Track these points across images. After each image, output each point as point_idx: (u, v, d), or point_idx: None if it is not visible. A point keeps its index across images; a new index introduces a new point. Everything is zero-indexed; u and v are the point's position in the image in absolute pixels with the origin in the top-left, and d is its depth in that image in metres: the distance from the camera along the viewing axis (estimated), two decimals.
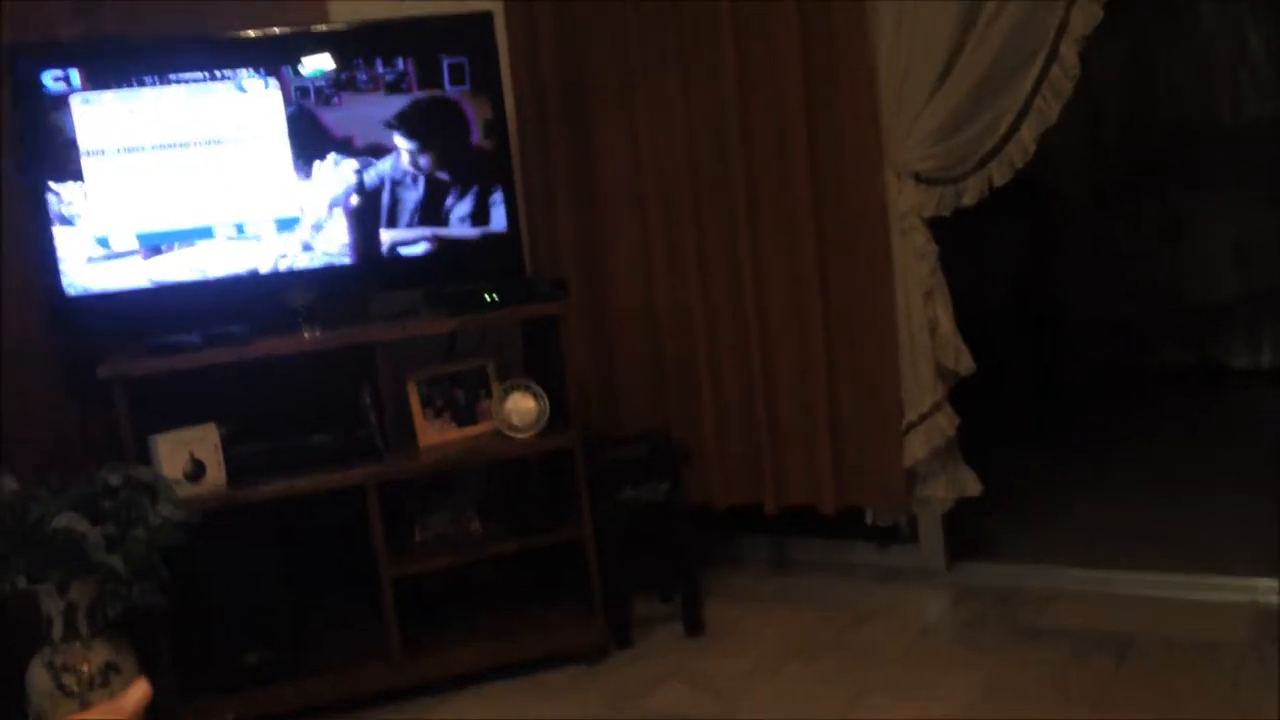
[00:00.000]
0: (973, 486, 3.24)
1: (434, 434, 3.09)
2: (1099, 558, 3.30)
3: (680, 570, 3.22)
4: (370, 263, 3.11)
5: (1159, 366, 5.18)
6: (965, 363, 3.14)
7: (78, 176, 2.84)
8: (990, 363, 3.24)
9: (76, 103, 2.84)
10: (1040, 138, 3.00)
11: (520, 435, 3.06)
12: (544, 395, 3.08)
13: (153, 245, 2.92)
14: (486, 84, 3.17)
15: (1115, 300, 5.24)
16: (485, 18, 3.18)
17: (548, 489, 3.28)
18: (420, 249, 3.14)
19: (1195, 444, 4.32)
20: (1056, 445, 4.43)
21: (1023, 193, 3.74)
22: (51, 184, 2.83)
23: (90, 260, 2.87)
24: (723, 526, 3.55)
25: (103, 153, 2.87)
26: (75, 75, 2.85)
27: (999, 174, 3.05)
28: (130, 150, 2.89)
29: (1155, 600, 3.04)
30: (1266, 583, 2.98)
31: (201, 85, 2.95)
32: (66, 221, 2.84)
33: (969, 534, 3.43)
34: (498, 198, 3.19)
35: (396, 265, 3.14)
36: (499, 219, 3.19)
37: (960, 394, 3.20)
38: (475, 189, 3.18)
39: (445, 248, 3.17)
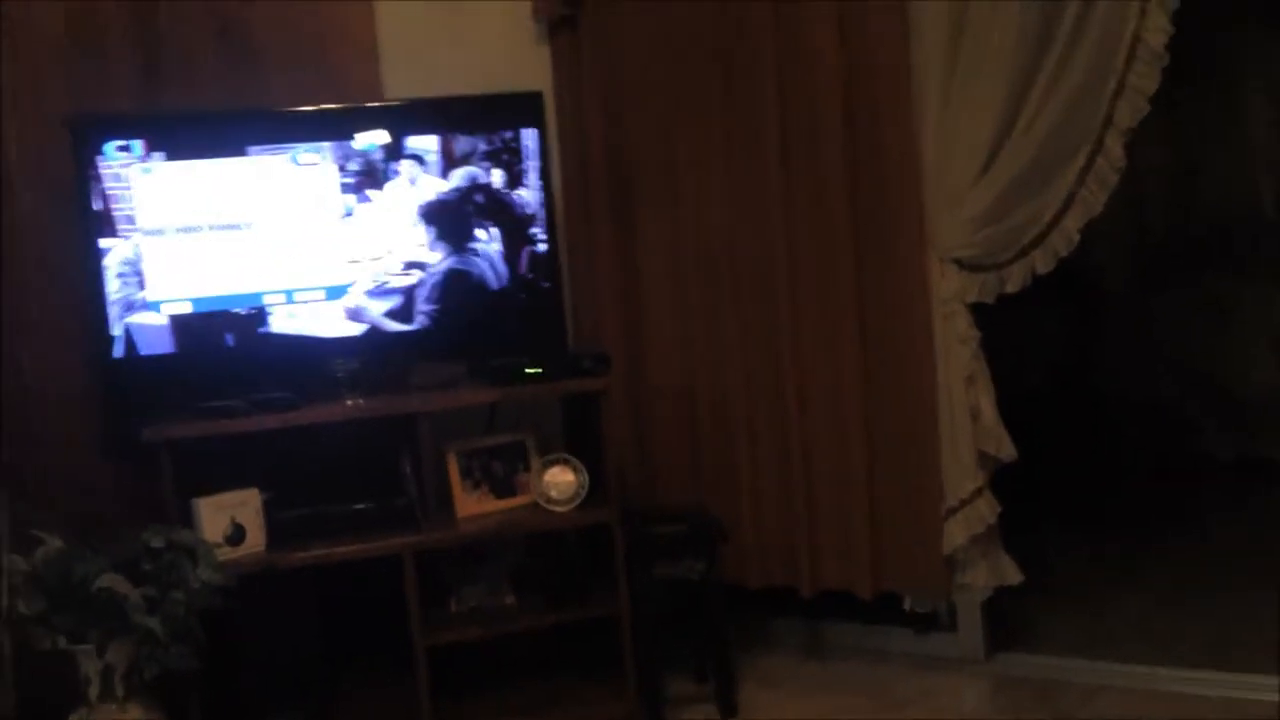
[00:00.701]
0: (1013, 575, 3.20)
1: (472, 505, 3.10)
2: (1142, 651, 3.24)
3: (715, 650, 3.18)
4: (415, 333, 3.14)
5: (1201, 455, 5.11)
6: (1007, 449, 3.12)
7: (131, 241, 2.91)
8: (1032, 448, 3.22)
9: (135, 171, 2.91)
10: (1084, 225, 3.00)
11: (559, 509, 3.06)
12: (583, 469, 3.08)
13: (204, 310, 2.97)
14: (534, 161, 3.22)
15: (1157, 387, 5.19)
16: (535, 97, 3.25)
17: (584, 563, 3.27)
18: (464, 321, 3.17)
19: (1239, 537, 4.24)
20: (1099, 534, 4.37)
21: (1065, 278, 3.74)
22: (107, 248, 2.90)
23: (141, 323, 2.92)
24: (756, 607, 3.52)
25: (158, 220, 2.93)
26: (136, 145, 2.93)
27: (1042, 262, 3.06)
28: (185, 218, 2.96)
29: (1199, 698, 2.97)
30: None
31: (258, 157, 3.01)
32: (119, 285, 2.90)
33: (1009, 623, 3.38)
34: (542, 273, 3.22)
35: (440, 337, 3.17)
36: (543, 294, 3.22)
37: (1001, 480, 3.18)
38: (520, 264, 3.22)
39: (489, 321, 3.20)
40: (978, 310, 3.14)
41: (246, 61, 3.30)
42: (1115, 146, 2.94)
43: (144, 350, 2.94)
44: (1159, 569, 3.98)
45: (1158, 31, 2.85)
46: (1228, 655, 3.14)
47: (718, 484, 3.48)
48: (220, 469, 2.88)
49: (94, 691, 2.41)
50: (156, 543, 2.42)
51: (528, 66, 3.61)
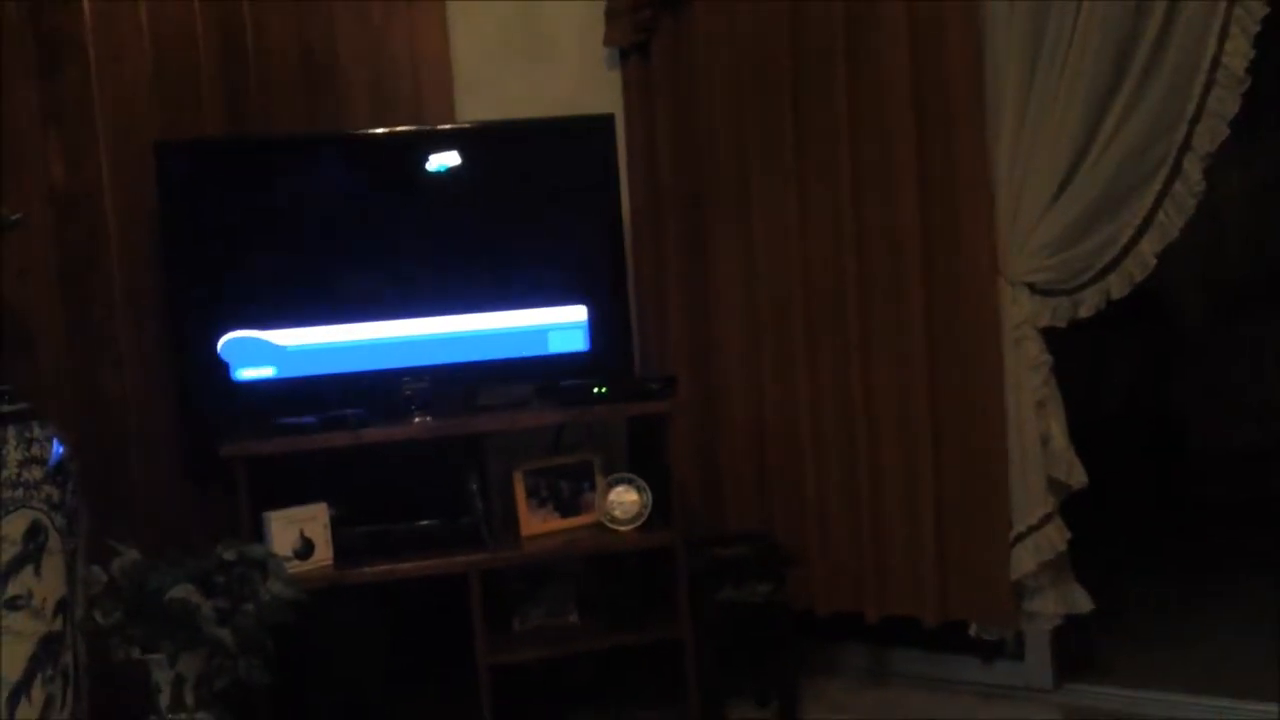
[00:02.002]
0: (1083, 603, 3.14)
1: (537, 524, 3.12)
2: (1215, 686, 3.16)
3: (778, 675, 3.17)
4: (484, 352, 3.18)
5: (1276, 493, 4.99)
6: (1078, 476, 3.07)
7: (215, 262, 2.98)
8: (1106, 477, 3.16)
9: (214, 193, 2.98)
10: (1162, 253, 2.96)
11: (622, 529, 3.07)
12: (648, 490, 3.09)
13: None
14: (605, 184, 3.25)
15: (1234, 422, 5.08)
16: (606, 120, 3.28)
17: (648, 585, 3.27)
18: (535, 342, 3.21)
19: None
20: (1171, 566, 4.27)
21: (1144, 307, 3.68)
22: (190, 269, 2.97)
23: (220, 343, 2.99)
24: (822, 633, 3.49)
25: (239, 241, 3.00)
26: (217, 169, 3.00)
27: (1117, 287, 3.01)
28: (264, 242, 3.02)
29: None
30: None
31: (332, 179, 3.08)
32: (198, 305, 2.98)
33: (1078, 653, 3.32)
34: (612, 295, 3.25)
35: (510, 357, 3.20)
36: (611, 316, 3.25)
37: (1074, 509, 3.12)
38: (590, 286, 3.24)
39: (558, 342, 3.23)
40: (1054, 336, 3.10)
41: (325, 87, 3.37)
42: (1194, 171, 2.89)
43: (224, 371, 3.01)
44: (1231, 605, 3.88)
45: (1238, 55, 2.80)
46: None
47: (785, 509, 3.46)
48: (292, 486, 2.93)
49: (164, 701, 2.46)
50: (229, 556, 2.47)
51: (600, 92, 3.64)
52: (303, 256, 3.09)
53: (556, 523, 3.14)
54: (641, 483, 3.10)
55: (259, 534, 2.80)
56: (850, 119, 3.28)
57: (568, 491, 3.19)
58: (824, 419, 3.39)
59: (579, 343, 3.23)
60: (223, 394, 3.01)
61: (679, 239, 3.61)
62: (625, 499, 3.09)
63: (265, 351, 3.02)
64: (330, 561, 2.88)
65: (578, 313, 3.23)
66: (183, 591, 2.29)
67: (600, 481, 3.16)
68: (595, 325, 3.24)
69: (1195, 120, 2.86)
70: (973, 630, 3.31)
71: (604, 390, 3.12)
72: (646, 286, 3.66)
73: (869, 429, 3.31)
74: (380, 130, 3.22)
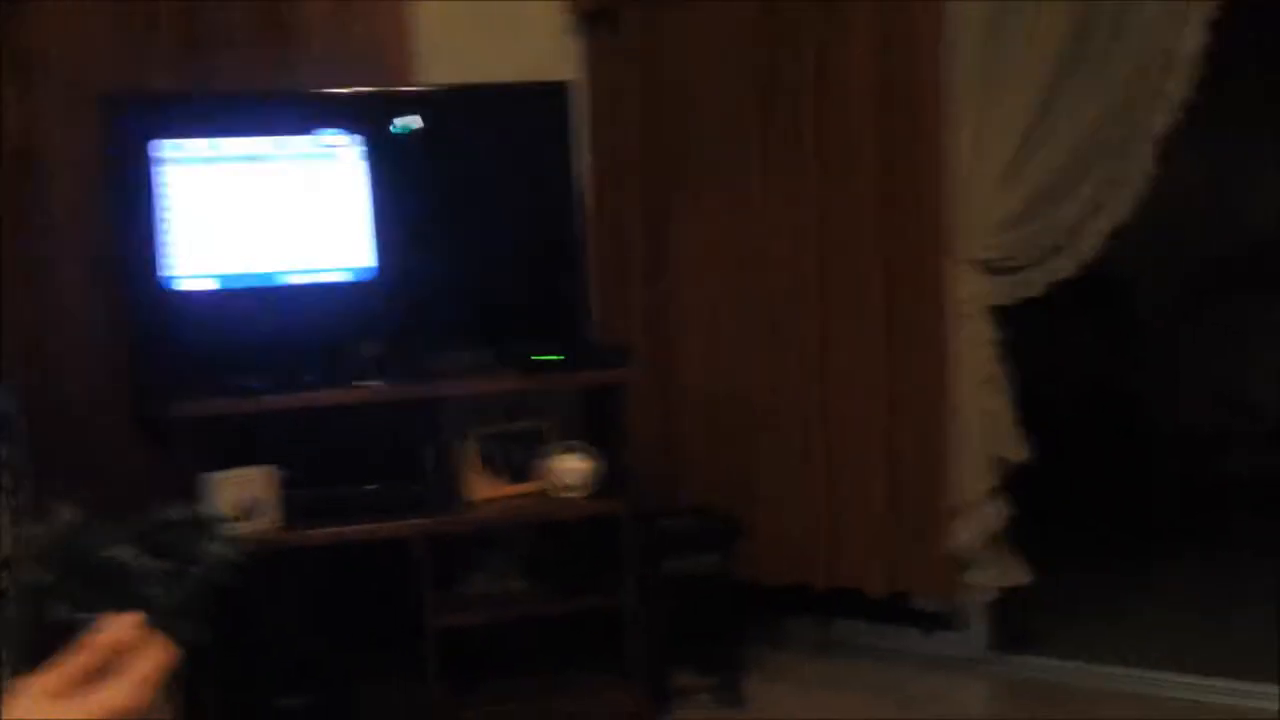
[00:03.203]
0: (1021, 576, 3.19)
1: (486, 489, 3.14)
2: (1152, 659, 3.22)
3: (723, 645, 3.20)
4: (439, 318, 3.18)
5: (1229, 474, 5.05)
6: (1019, 452, 3.10)
7: (161, 220, 2.96)
8: (1056, 455, 3.20)
9: (166, 149, 2.96)
10: (1118, 237, 2.98)
11: (570, 496, 3.09)
12: (597, 458, 3.11)
13: (229, 289, 3.02)
14: (563, 150, 3.24)
15: (1187, 403, 5.13)
16: (562, 87, 3.27)
17: (596, 553, 3.29)
18: (489, 309, 3.21)
19: (1263, 556, 4.19)
20: (1115, 543, 4.33)
21: (1099, 292, 3.70)
22: (135, 226, 2.95)
23: (167, 301, 2.97)
24: (769, 604, 3.53)
25: (185, 198, 2.98)
26: (165, 123, 2.97)
27: (1065, 267, 3.04)
28: (212, 196, 3.00)
29: (1206, 705, 2.96)
30: None
31: (287, 138, 3.05)
32: (146, 263, 2.95)
33: (1018, 626, 3.37)
34: (567, 263, 3.25)
35: (466, 323, 3.21)
36: (568, 283, 3.25)
37: (1020, 484, 3.16)
38: (547, 254, 3.25)
39: (515, 309, 3.23)
40: (1010, 318, 3.13)
41: (286, 46, 3.34)
42: (1145, 154, 2.92)
43: (171, 330, 3.00)
44: (1173, 579, 3.95)
45: (1193, 40, 2.83)
46: (1237, 665, 3.11)
47: (738, 481, 3.49)
48: (244, 448, 2.93)
49: None
50: (170, 516, 2.47)
51: (561, 58, 3.62)
52: (258, 217, 3.06)
53: (506, 489, 3.16)
54: (591, 451, 3.11)
55: (206, 494, 2.80)
56: (815, 97, 3.29)
57: (519, 458, 3.20)
58: (779, 394, 3.42)
59: (536, 311, 3.23)
60: (167, 352, 2.99)
61: (640, 210, 3.61)
62: (574, 466, 3.10)
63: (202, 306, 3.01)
64: (277, 524, 2.89)
65: (536, 281, 3.23)
66: (118, 551, 2.30)
67: (551, 449, 3.17)
68: (553, 293, 3.24)
69: (1149, 104, 2.88)
70: (915, 602, 3.36)
71: (558, 357, 3.12)
72: (606, 255, 3.66)
73: (821, 404, 3.34)
74: (339, 90, 3.19)
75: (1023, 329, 3.17)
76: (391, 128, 3.12)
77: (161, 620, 2.10)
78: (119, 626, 0.69)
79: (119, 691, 0.67)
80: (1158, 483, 4.93)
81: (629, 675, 3.09)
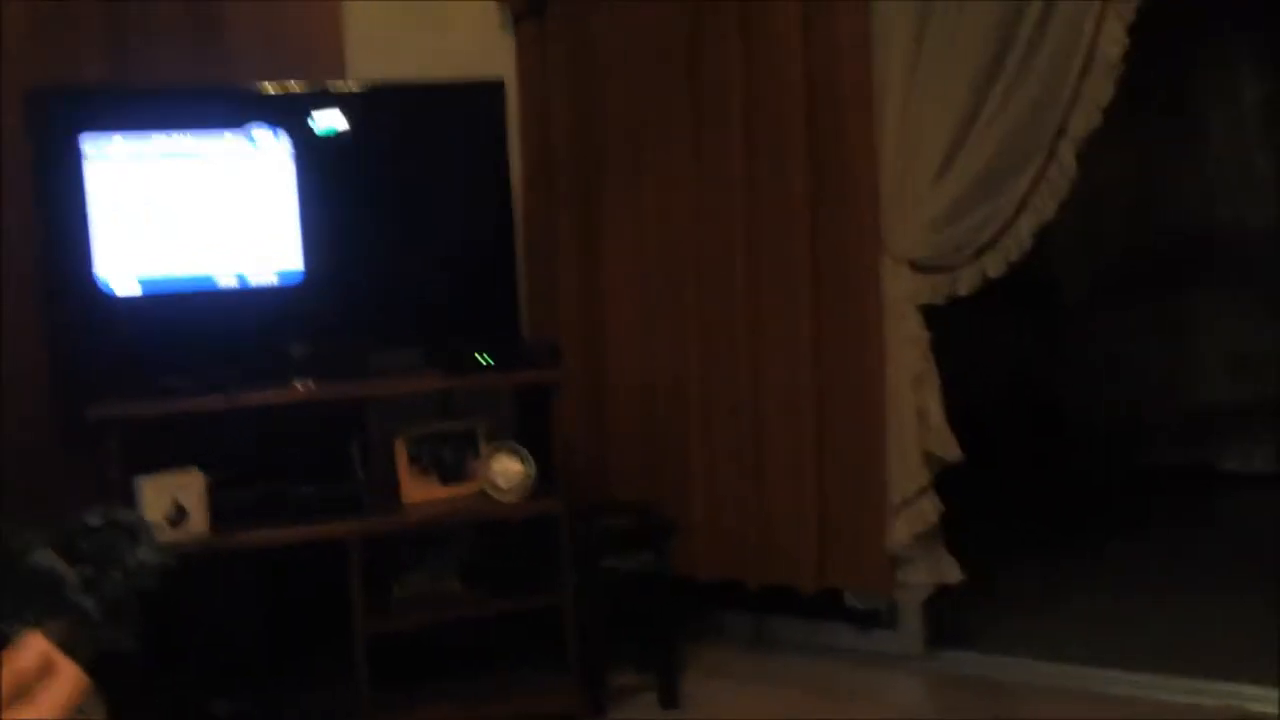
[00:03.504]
0: (954, 573, 3.23)
1: (419, 491, 3.11)
2: (1083, 654, 3.27)
3: (660, 642, 3.21)
4: (368, 319, 3.15)
5: (1152, 465, 5.17)
6: (952, 451, 3.14)
7: (85, 220, 2.89)
8: (984, 452, 3.24)
9: (88, 145, 2.89)
10: (1043, 234, 3.03)
11: (505, 497, 3.07)
12: (531, 459, 3.09)
13: (154, 290, 2.96)
14: (494, 150, 3.22)
15: (1111, 397, 5.25)
16: (497, 86, 3.25)
17: (531, 554, 3.28)
18: (419, 309, 3.18)
19: (1186, 545, 4.30)
20: (1047, 540, 4.40)
21: (1024, 289, 3.76)
22: (59, 226, 2.88)
23: (90, 301, 2.90)
24: (704, 600, 3.54)
25: (110, 198, 2.91)
26: (89, 118, 2.90)
27: (994, 265, 3.09)
28: (138, 196, 2.94)
29: (1138, 700, 3.01)
30: (1256, 690, 2.94)
31: (213, 135, 3.00)
32: (71, 263, 2.88)
33: (951, 623, 3.41)
34: (497, 262, 3.23)
35: (394, 323, 3.17)
36: (499, 283, 3.23)
37: (950, 482, 3.20)
38: (477, 253, 3.22)
39: (444, 309, 3.21)
40: (936, 316, 3.17)
41: (213, 40, 3.28)
42: (1068, 155, 2.97)
43: (96, 331, 2.93)
44: (1104, 573, 4.02)
45: (1114, 43, 2.89)
46: (1169, 659, 3.17)
47: (671, 479, 3.49)
48: (169, 451, 2.87)
49: None
50: (95, 521, 2.40)
51: (493, 54, 3.61)
52: (183, 216, 3.00)
53: (439, 490, 3.13)
54: (525, 452, 3.10)
55: (131, 498, 2.74)
56: (743, 95, 3.31)
57: (451, 459, 3.17)
58: (711, 392, 3.43)
59: (466, 311, 3.20)
60: (90, 353, 2.92)
61: (570, 207, 3.60)
62: (509, 468, 3.09)
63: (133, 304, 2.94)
64: (206, 529, 2.83)
65: (466, 280, 3.20)
66: (44, 558, 2.23)
67: (484, 449, 3.15)
68: (483, 293, 3.22)
69: (1071, 106, 2.94)
70: (848, 599, 3.39)
71: (489, 358, 3.10)
72: (537, 254, 3.64)
73: (754, 401, 3.36)
74: (267, 87, 3.14)
75: (947, 326, 3.21)
76: (319, 127, 3.07)
77: (89, 627, 2.05)
78: (27, 651, 0.67)
79: (26, 718, 0.65)
80: (1083, 476, 5.04)
81: (567, 675, 3.08)
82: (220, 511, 2.86)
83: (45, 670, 0.67)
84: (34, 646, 0.67)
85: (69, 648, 2.08)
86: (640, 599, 3.21)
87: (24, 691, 0.66)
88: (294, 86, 3.13)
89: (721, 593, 3.49)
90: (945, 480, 3.20)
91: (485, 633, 3.23)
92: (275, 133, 3.04)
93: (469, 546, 3.27)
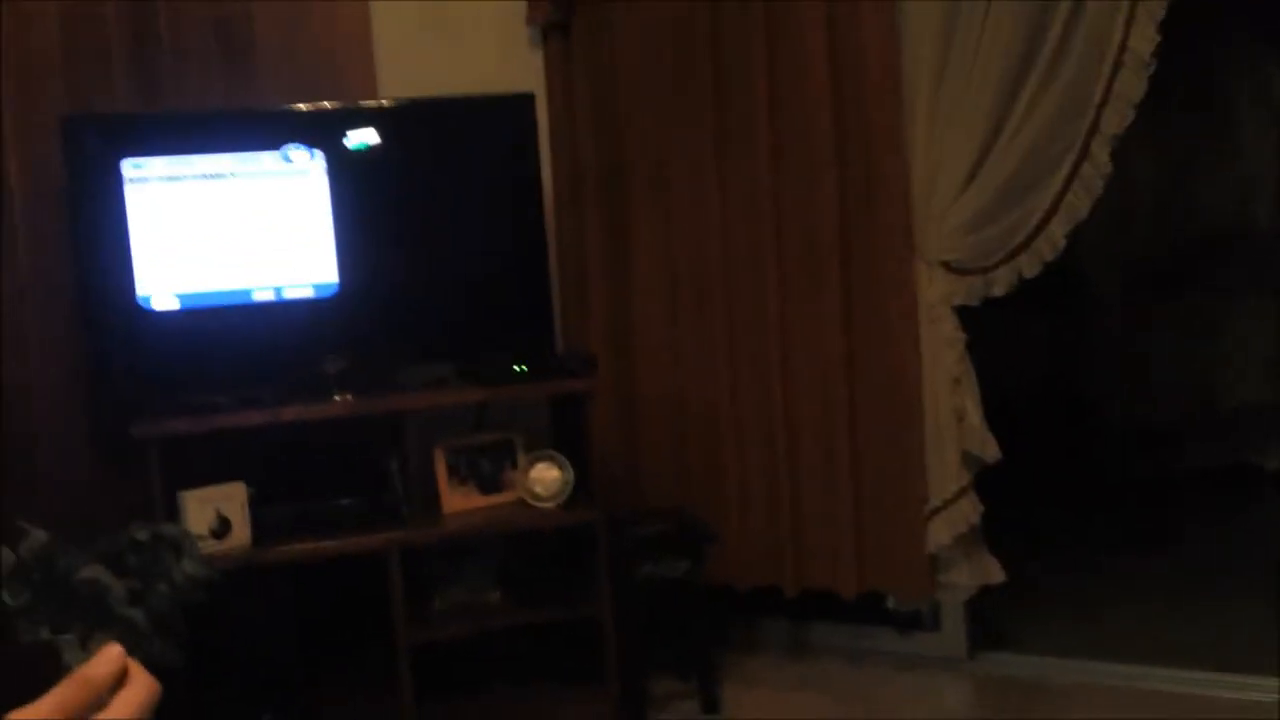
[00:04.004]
0: (996, 574, 3.22)
1: (458, 502, 3.12)
2: (1126, 653, 3.25)
3: (698, 650, 3.20)
4: (402, 331, 3.17)
5: (1188, 465, 5.13)
6: (991, 451, 3.13)
7: (124, 239, 2.92)
8: (1018, 452, 3.23)
9: (127, 168, 2.92)
10: (1074, 234, 3.02)
11: (544, 506, 3.08)
12: (569, 467, 3.10)
13: (192, 305, 2.98)
14: (526, 163, 3.24)
15: (1146, 397, 5.22)
16: (527, 99, 3.27)
17: (568, 563, 3.28)
18: (454, 322, 3.20)
19: (1225, 545, 4.26)
20: (1085, 539, 4.38)
21: (1056, 288, 3.75)
22: (97, 245, 2.91)
23: (130, 318, 2.94)
24: (742, 608, 3.53)
25: (148, 216, 2.95)
26: (127, 143, 2.94)
27: (1028, 266, 3.08)
28: (175, 214, 2.97)
29: (1183, 698, 2.99)
30: None
31: (248, 155, 3.03)
32: (109, 281, 2.91)
33: (992, 624, 3.40)
34: (531, 274, 3.24)
35: (428, 335, 3.19)
36: (532, 294, 3.24)
37: (987, 483, 3.19)
38: (510, 265, 3.24)
39: (479, 322, 3.22)
40: (967, 316, 3.16)
41: (242, 61, 3.32)
42: (1101, 153, 2.96)
43: (135, 349, 2.96)
44: (1143, 573, 3.99)
45: (1144, 40, 2.87)
46: (1210, 656, 3.15)
47: (704, 485, 3.49)
48: (208, 466, 2.89)
49: None
50: (141, 536, 2.43)
51: (523, 69, 3.63)
52: (221, 234, 3.03)
53: (478, 500, 3.14)
54: (563, 460, 3.11)
55: (174, 513, 2.77)
56: (769, 101, 3.31)
57: (489, 469, 3.19)
58: (742, 396, 3.43)
59: (501, 324, 3.22)
60: (129, 370, 2.95)
61: (599, 218, 3.61)
62: (547, 476, 3.09)
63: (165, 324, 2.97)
64: (248, 541, 2.85)
65: (500, 293, 3.22)
66: (93, 572, 2.25)
67: (522, 459, 3.16)
68: (517, 305, 3.24)
69: (1103, 104, 2.92)
70: (890, 602, 3.38)
71: (524, 369, 3.12)
72: (568, 265, 3.66)
73: (786, 405, 3.35)
74: (301, 107, 3.17)
75: (979, 325, 3.21)
76: (350, 143, 3.10)
77: (137, 641, 2.07)
78: (104, 661, 0.69)
79: None
80: (1117, 476, 5.01)
81: (605, 684, 3.08)
82: (262, 525, 2.88)
83: (122, 679, 0.69)
84: (110, 656, 0.69)
85: None
86: (678, 606, 3.20)
87: (100, 700, 0.67)
88: (327, 105, 3.16)
89: (759, 600, 3.48)
90: (982, 481, 3.18)
91: (524, 643, 3.23)
92: (310, 151, 3.07)
93: (506, 557, 3.28)
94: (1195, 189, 5.24)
